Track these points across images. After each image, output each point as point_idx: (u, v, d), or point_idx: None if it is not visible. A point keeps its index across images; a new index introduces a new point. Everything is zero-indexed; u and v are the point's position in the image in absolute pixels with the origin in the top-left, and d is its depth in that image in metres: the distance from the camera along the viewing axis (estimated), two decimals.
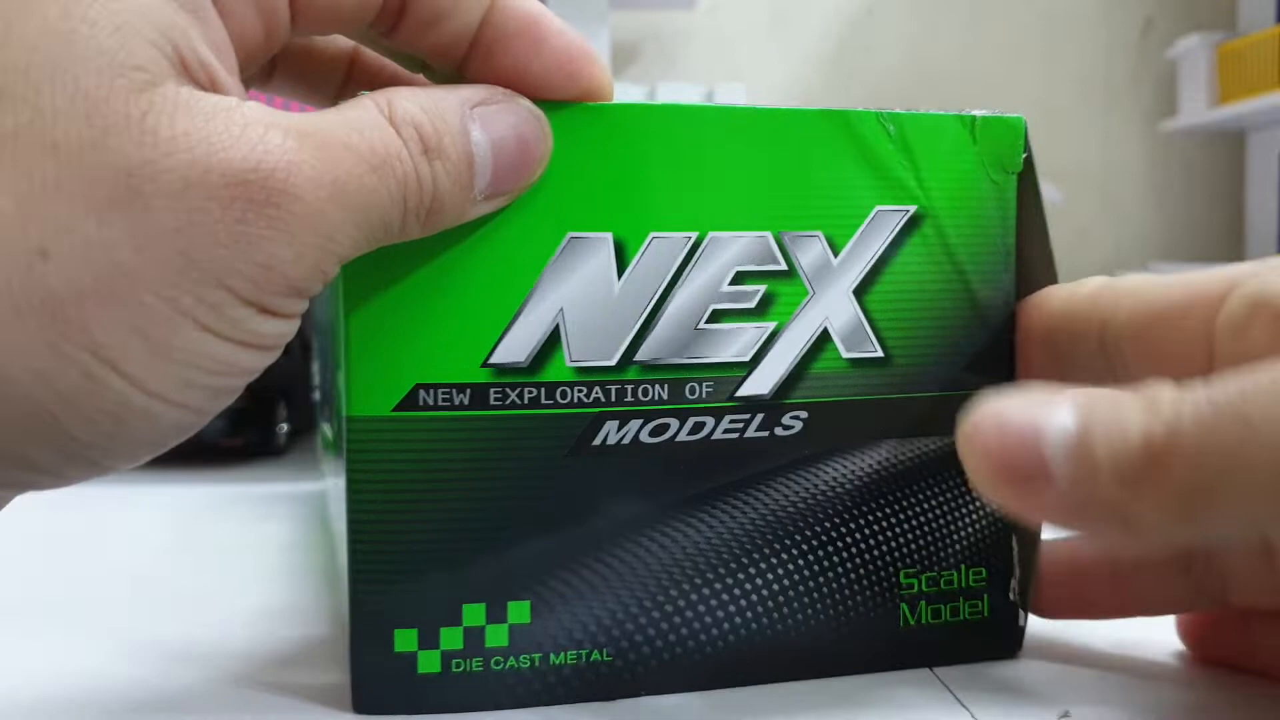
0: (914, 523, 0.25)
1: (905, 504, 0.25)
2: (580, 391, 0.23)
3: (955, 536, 0.25)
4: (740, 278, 0.24)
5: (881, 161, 0.24)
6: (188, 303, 0.18)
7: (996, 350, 0.25)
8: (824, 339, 0.24)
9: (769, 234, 0.24)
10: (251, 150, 0.18)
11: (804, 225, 0.24)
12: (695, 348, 0.23)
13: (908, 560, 0.25)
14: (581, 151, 0.23)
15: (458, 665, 0.23)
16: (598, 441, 0.23)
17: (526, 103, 0.22)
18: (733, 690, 0.24)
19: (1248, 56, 1.53)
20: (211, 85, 0.19)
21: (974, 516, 0.26)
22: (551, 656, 0.23)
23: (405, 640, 0.23)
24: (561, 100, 0.22)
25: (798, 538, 0.24)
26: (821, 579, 0.25)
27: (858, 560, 0.25)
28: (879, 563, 0.25)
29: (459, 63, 0.23)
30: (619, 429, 0.23)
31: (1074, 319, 0.24)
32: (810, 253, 0.24)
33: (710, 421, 0.24)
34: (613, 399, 0.23)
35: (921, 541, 0.25)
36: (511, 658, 0.23)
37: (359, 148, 0.20)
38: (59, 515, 0.40)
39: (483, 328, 0.22)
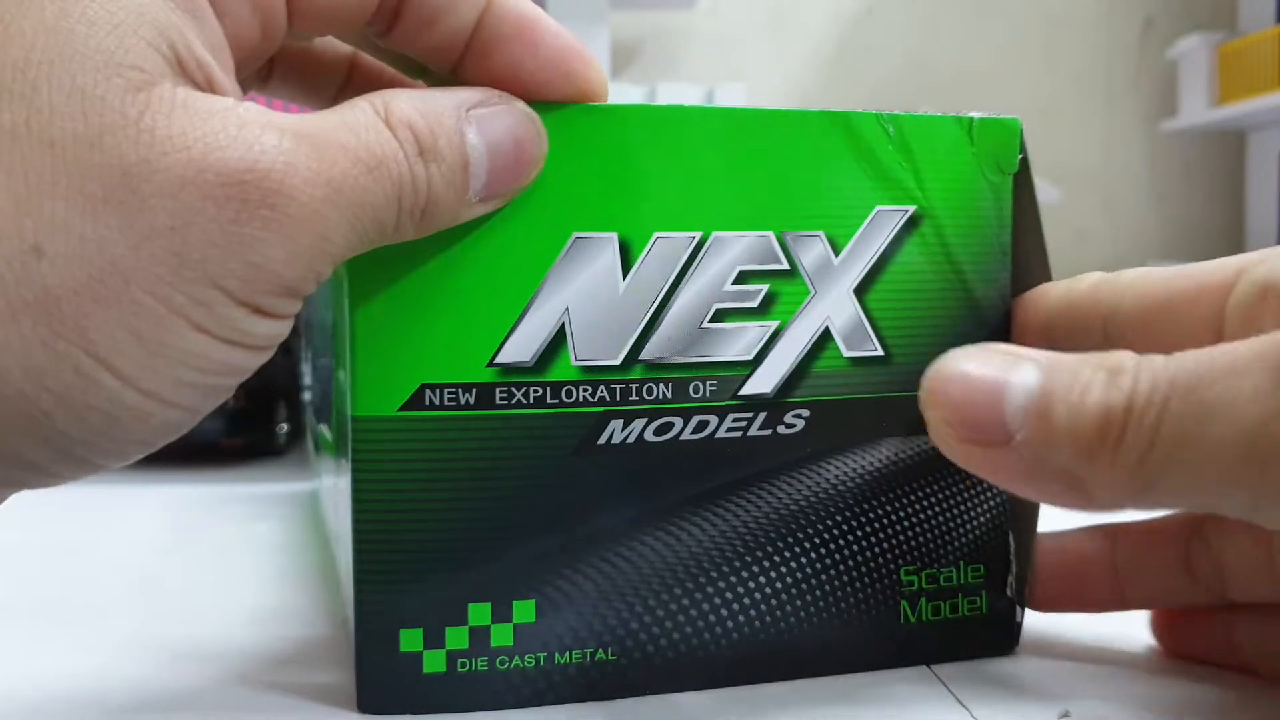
0: (915, 520, 0.25)
1: (906, 501, 0.25)
2: (585, 391, 0.23)
3: (955, 533, 0.26)
4: (743, 277, 0.24)
5: (881, 162, 0.24)
6: (181, 302, 0.18)
7: None
8: (825, 338, 0.24)
9: (771, 234, 0.24)
10: (247, 150, 0.18)
11: (806, 225, 0.24)
12: (699, 347, 0.23)
13: (909, 557, 0.25)
14: (586, 152, 0.23)
15: (463, 665, 0.23)
16: (603, 441, 0.23)
17: (522, 106, 0.22)
18: (736, 688, 0.24)
19: (1248, 56, 1.53)
20: (208, 85, 0.19)
21: (973, 513, 0.26)
22: (556, 656, 0.23)
23: (410, 640, 0.23)
24: (555, 100, 0.22)
25: (800, 536, 0.24)
26: (825, 576, 0.25)
27: (860, 557, 0.25)
28: (881, 560, 0.25)
29: (454, 63, 0.23)
30: (624, 428, 0.23)
31: (1074, 312, 0.24)
32: (812, 252, 0.24)
33: (714, 420, 0.24)
34: (618, 398, 0.23)
35: (922, 538, 0.25)
36: (517, 657, 0.23)
37: (355, 149, 0.20)
38: (59, 515, 0.40)
39: (489, 327, 0.22)
